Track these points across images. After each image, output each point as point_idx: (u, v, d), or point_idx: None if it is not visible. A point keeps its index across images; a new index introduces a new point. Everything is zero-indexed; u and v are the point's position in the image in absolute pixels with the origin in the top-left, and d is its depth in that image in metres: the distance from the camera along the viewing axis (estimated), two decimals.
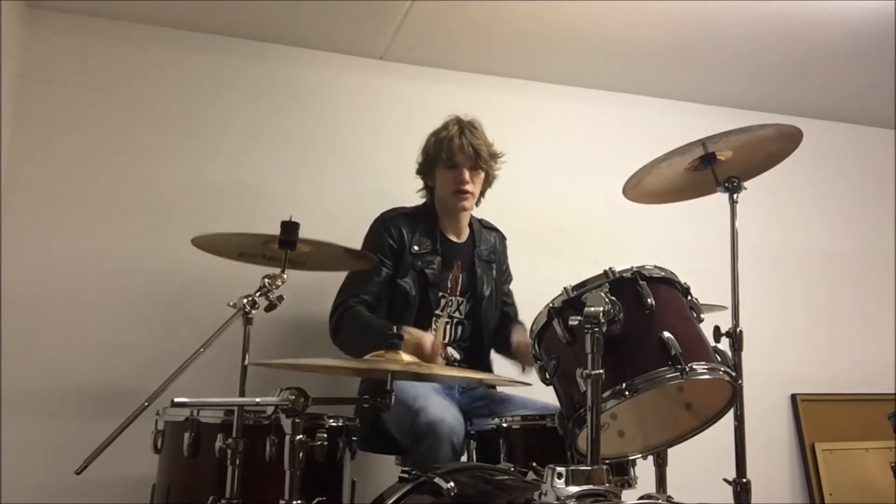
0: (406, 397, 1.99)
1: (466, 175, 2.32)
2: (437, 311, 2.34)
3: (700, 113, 3.43)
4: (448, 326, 2.37)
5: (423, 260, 2.32)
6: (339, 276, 2.33)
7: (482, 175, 2.38)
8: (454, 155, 2.32)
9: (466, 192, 2.33)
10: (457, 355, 2.37)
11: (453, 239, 2.42)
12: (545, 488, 1.31)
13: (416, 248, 2.32)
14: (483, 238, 2.49)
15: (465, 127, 2.35)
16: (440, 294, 2.35)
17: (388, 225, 2.35)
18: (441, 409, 1.95)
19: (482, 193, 2.46)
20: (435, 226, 2.39)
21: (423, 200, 2.49)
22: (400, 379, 1.82)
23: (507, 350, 2.40)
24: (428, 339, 2.03)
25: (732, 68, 3.14)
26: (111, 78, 2.71)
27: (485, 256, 2.45)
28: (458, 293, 2.39)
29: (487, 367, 2.43)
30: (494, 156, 2.39)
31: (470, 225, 2.49)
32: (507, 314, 2.53)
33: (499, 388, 2.39)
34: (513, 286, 2.60)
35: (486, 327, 2.40)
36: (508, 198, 2.56)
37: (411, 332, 2.06)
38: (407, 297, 2.28)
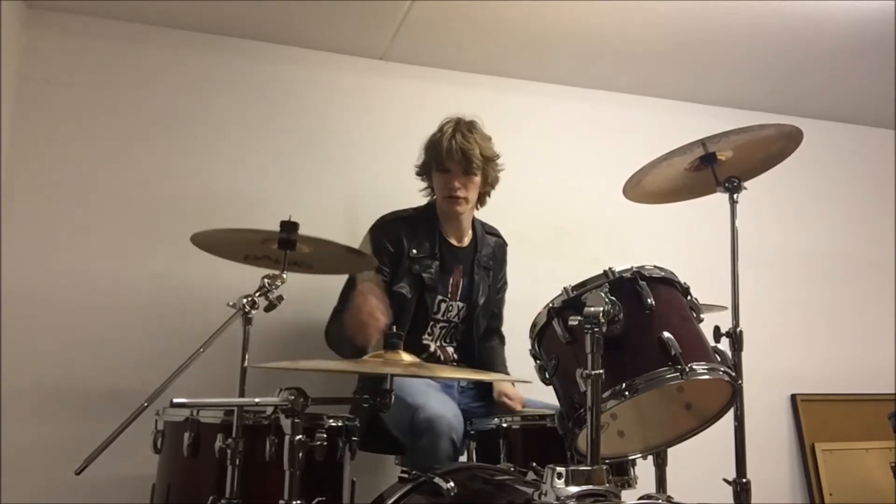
0: (404, 394, 1.99)
1: (456, 182, 2.29)
2: (437, 317, 2.33)
3: (700, 113, 3.43)
4: (445, 330, 2.37)
5: (420, 264, 2.30)
6: (340, 277, 2.33)
7: (477, 179, 2.32)
8: (444, 161, 2.29)
9: (458, 197, 2.30)
10: (455, 355, 2.37)
11: (454, 243, 2.40)
12: (545, 488, 1.31)
13: (414, 251, 2.30)
14: (485, 243, 2.47)
15: (458, 130, 2.30)
16: (440, 298, 2.34)
17: (386, 230, 2.33)
18: (440, 406, 1.94)
19: (487, 194, 2.43)
20: (435, 228, 2.38)
21: (427, 200, 2.48)
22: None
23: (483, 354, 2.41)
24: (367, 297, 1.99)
25: (732, 68, 3.14)
26: (111, 78, 2.71)
27: (484, 263, 2.43)
28: (458, 298, 2.38)
29: (479, 369, 2.40)
30: (489, 159, 2.33)
31: (473, 228, 2.47)
32: (491, 328, 2.49)
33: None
34: (513, 286, 2.59)
35: (476, 333, 2.40)
36: (508, 198, 2.55)
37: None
38: (402, 301, 2.27)
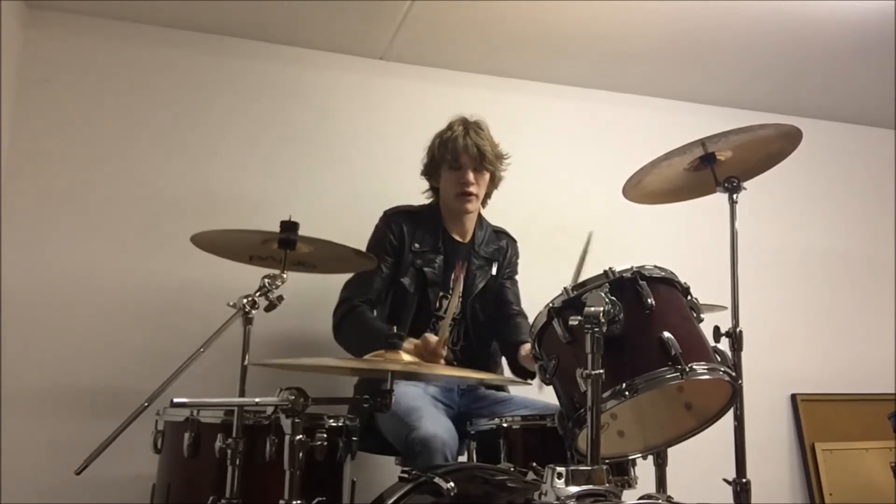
0: (401, 409, 1.98)
1: (470, 176, 2.30)
2: (439, 313, 2.33)
3: (700, 113, 3.43)
4: (451, 328, 2.36)
5: (423, 258, 2.31)
6: (341, 276, 2.32)
7: (487, 176, 2.35)
8: (458, 156, 2.29)
9: (470, 193, 2.30)
10: (453, 357, 2.36)
11: (458, 239, 2.41)
12: (545, 488, 1.31)
13: (416, 245, 2.31)
14: (487, 238, 2.46)
15: (469, 127, 2.32)
16: (440, 294, 2.34)
17: (389, 222, 2.34)
18: (434, 425, 1.94)
19: (488, 195, 2.44)
20: (438, 225, 2.38)
21: (429, 201, 2.48)
22: (399, 378, 1.82)
23: (514, 357, 2.31)
24: (430, 339, 2.03)
25: (732, 68, 3.14)
26: (111, 78, 2.71)
27: (484, 254, 2.43)
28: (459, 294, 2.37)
29: (485, 366, 2.39)
30: (500, 157, 2.37)
31: (477, 226, 2.46)
32: (520, 325, 2.39)
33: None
34: None
35: (476, 322, 2.36)
36: (508, 198, 2.55)
37: (411, 342, 2.05)
38: (405, 296, 2.27)
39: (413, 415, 1.97)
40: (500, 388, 2.36)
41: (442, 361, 2.04)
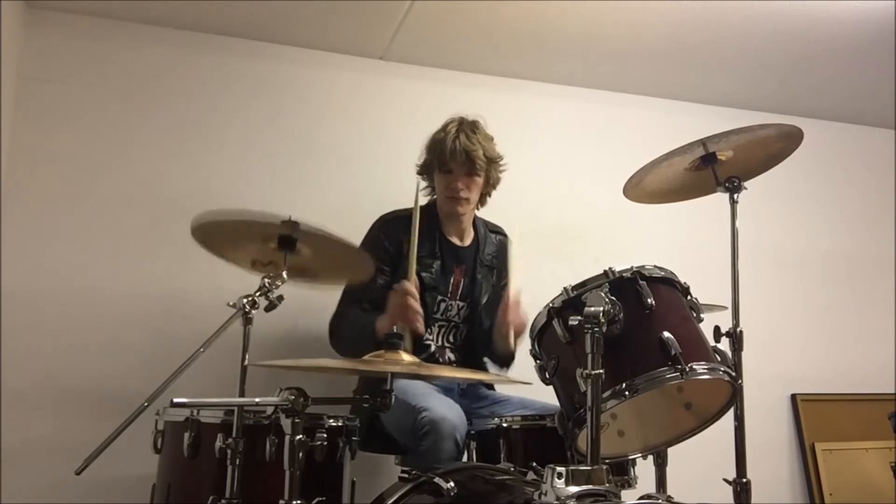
0: (406, 397, 1.98)
1: (459, 182, 2.28)
2: (436, 315, 2.32)
3: (700, 113, 3.42)
4: (444, 330, 2.36)
5: (420, 263, 2.28)
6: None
7: (479, 180, 2.32)
8: (447, 161, 2.27)
9: (460, 198, 2.29)
10: (452, 357, 2.36)
11: (455, 242, 2.40)
12: (545, 488, 1.31)
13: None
14: (488, 242, 2.46)
15: (462, 130, 2.28)
16: (439, 298, 2.33)
17: (385, 228, 2.32)
18: (444, 408, 1.94)
19: (488, 194, 2.42)
20: (436, 228, 2.37)
21: (427, 199, 2.46)
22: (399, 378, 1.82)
23: (489, 343, 2.33)
24: (408, 287, 2.03)
25: (732, 68, 3.14)
26: (111, 78, 2.71)
27: (487, 262, 2.42)
28: (458, 297, 2.37)
29: (481, 369, 2.38)
30: (492, 160, 2.33)
31: (475, 227, 2.46)
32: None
33: (498, 388, 2.38)
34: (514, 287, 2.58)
35: (480, 331, 2.37)
36: (509, 197, 2.55)
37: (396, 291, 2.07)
38: None
39: (421, 399, 1.97)
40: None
41: (419, 318, 2.05)
